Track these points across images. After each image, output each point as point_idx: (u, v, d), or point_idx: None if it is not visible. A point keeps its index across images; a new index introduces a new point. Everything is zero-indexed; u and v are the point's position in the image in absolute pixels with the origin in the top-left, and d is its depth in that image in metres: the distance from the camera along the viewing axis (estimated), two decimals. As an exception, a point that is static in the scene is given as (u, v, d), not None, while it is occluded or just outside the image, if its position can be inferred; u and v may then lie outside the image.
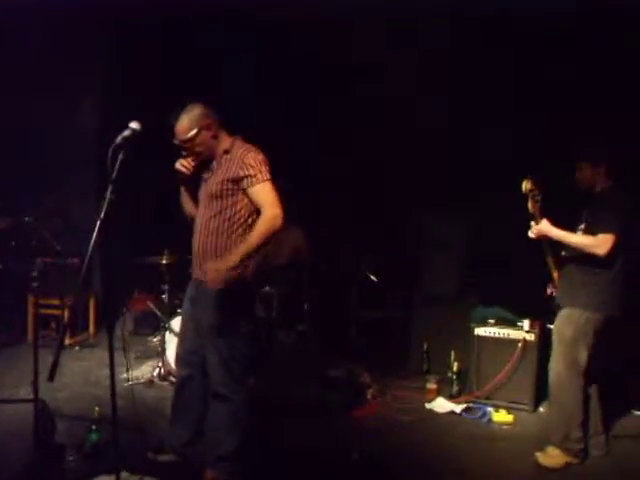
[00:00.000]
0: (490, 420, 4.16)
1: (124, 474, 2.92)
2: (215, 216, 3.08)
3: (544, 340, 4.14)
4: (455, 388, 4.54)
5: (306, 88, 5.70)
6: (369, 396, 4.45)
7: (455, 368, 4.57)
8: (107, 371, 2.53)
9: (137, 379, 4.64)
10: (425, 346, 5.03)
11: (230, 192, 3.04)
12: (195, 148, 3.09)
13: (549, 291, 3.83)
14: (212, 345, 3.08)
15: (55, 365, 2.52)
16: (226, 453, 3.09)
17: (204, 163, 3.20)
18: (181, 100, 3.14)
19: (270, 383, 4.21)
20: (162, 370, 4.73)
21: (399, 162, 5.57)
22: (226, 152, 3.10)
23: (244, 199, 3.05)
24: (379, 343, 5.33)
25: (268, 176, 3.01)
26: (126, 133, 2.67)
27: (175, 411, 3.37)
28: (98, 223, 2.59)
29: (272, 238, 2.95)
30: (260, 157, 3.04)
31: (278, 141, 5.05)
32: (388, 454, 3.63)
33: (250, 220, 3.06)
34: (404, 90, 5.29)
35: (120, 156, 2.66)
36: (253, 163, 3.00)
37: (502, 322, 4.47)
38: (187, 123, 3.04)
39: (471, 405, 4.35)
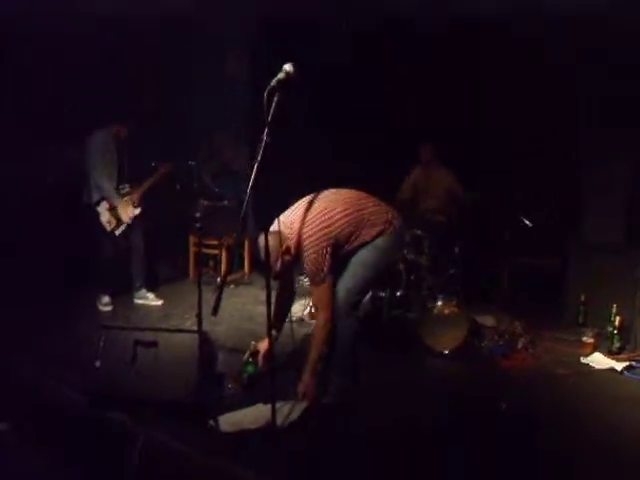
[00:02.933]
0: (657, 383, 3.85)
1: (279, 403, 3.05)
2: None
3: None
4: (616, 344, 4.23)
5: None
6: (520, 345, 4.30)
7: (617, 323, 4.26)
8: (261, 308, 2.66)
9: (288, 317, 4.83)
10: (582, 297, 4.74)
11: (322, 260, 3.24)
12: (283, 268, 3.29)
13: None
14: (354, 259, 3.32)
15: (218, 301, 2.71)
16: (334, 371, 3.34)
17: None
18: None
19: (417, 325, 4.21)
20: (312, 309, 4.88)
21: (561, 96, 5.16)
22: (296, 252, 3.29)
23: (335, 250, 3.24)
24: (531, 291, 5.08)
25: (322, 276, 3.21)
26: (280, 76, 2.74)
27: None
28: (255, 166, 2.68)
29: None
30: (312, 265, 3.20)
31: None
32: (538, 407, 3.49)
33: (353, 237, 3.26)
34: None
35: (275, 99, 2.72)
36: (313, 270, 3.22)
37: (676, 276, 4.07)
38: (272, 257, 3.17)
39: (634, 364, 4.03)
